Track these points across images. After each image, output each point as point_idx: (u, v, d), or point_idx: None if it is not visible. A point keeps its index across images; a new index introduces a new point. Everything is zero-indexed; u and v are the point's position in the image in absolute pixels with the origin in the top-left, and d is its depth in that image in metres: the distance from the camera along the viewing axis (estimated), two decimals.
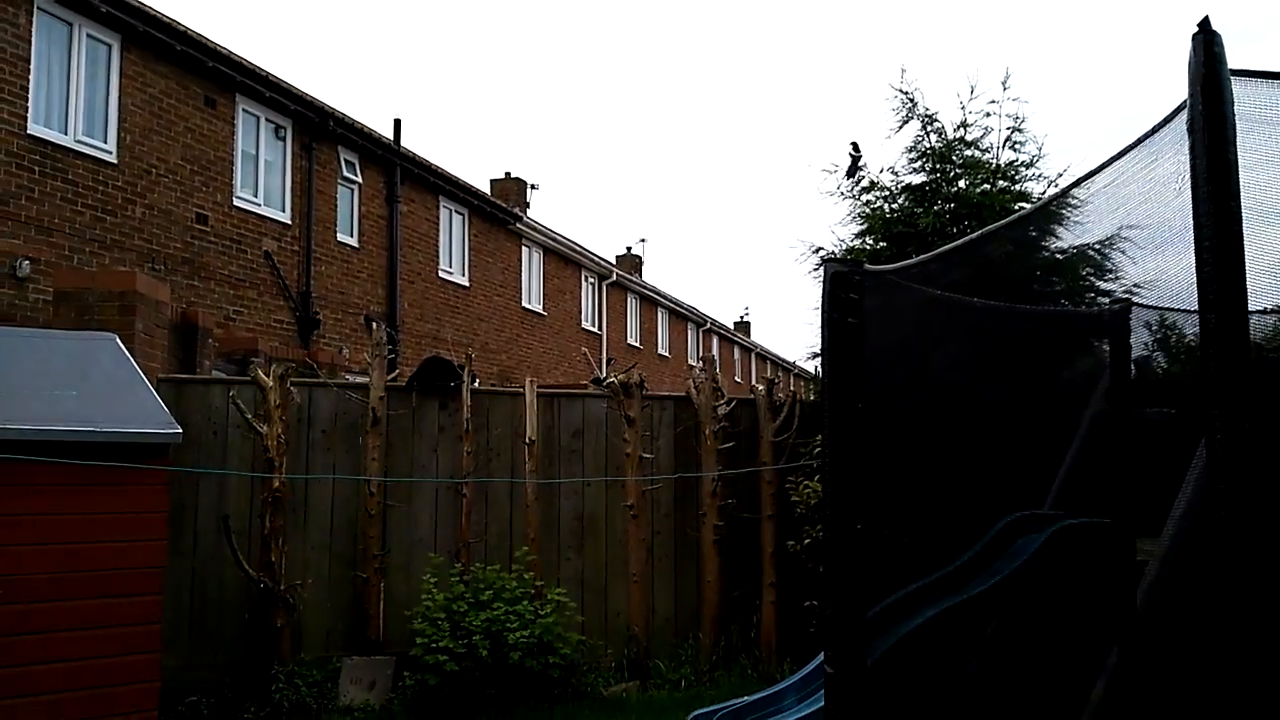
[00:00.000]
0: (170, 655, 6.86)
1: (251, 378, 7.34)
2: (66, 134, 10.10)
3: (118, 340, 5.51)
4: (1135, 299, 4.26)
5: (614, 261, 26.90)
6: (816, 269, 7.49)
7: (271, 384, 7.21)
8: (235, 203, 12.45)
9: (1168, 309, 3.82)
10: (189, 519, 7.30)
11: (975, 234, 3.30)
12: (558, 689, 7.26)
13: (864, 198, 7.60)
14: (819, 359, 8.07)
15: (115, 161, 10.64)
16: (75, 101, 10.25)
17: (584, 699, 7.28)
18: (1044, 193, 7.16)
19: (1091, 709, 3.86)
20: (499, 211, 19.52)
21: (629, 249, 32.29)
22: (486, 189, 20.69)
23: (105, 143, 10.57)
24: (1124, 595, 3.89)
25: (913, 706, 3.84)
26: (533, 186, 23.66)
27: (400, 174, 16.03)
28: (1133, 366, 4.20)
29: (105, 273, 8.09)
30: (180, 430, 4.83)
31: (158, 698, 4.69)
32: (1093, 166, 3.03)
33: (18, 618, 4.28)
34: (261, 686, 7.15)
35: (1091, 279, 5.91)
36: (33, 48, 9.68)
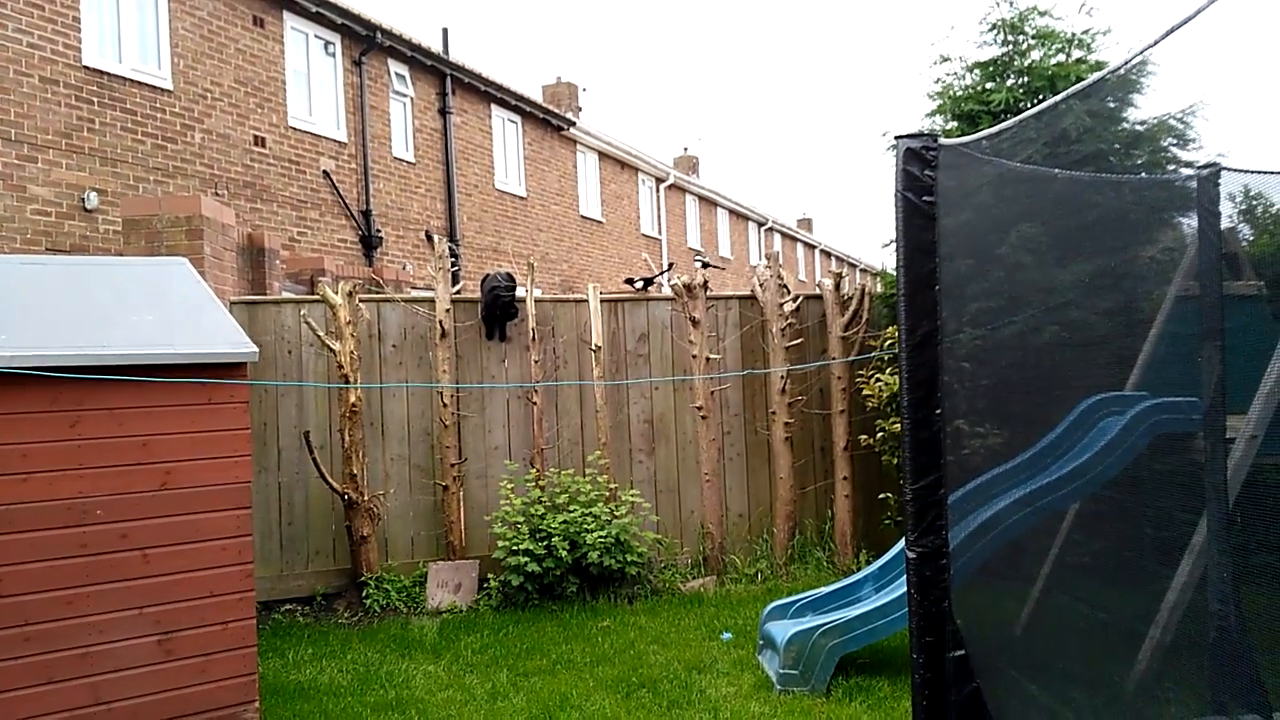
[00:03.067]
0: (263, 567, 7.16)
1: (320, 296, 7.44)
2: (121, 63, 10.15)
3: (188, 264, 5.58)
4: (1223, 165, 4.04)
5: (670, 163, 26.47)
6: (889, 149, 7.22)
7: (340, 301, 7.29)
8: (290, 123, 12.48)
9: (1263, 172, 3.60)
10: (272, 437, 7.52)
11: (1053, 99, 3.14)
12: (637, 586, 7.42)
13: (934, 73, 7.29)
14: (890, 246, 7.87)
15: (171, 88, 10.69)
16: (127, 29, 10.26)
17: (662, 594, 7.43)
18: (1122, 62, 6.78)
19: (1178, 587, 3.81)
20: (552, 118, 19.28)
21: (685, 149, 31.74)
22: (538, 95, 20.41)
23: (160, 69, 10.61)
24: (1213, 473, 3.79)
25: (994, 589, 3.82)
26: (582, 89, 23.29)
27: (451, 84, 15.87)
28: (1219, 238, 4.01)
29: (171, 199, 8.19)
30: (256, 349, 4.91)
31: (254, 607, 4.89)
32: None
33: (118, 536, 4.46)
34: (352, 593, 7.44)
35: (1173, 149, 5.62)
36: None
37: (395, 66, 14.67)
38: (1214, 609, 3.60)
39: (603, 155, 21.77)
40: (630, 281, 8.70)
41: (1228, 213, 4.23)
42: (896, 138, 2.95)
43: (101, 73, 9.86)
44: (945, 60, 7.30)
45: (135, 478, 4.52)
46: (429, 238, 8.12)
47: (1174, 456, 3.90)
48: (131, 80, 10.20)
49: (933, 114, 7.30)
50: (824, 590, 5.99)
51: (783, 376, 8.01)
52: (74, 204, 9.45)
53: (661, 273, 9.17)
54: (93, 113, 9.73)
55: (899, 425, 6.91)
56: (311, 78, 13.03)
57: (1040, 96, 6.59)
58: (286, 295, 9.50)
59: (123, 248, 7.22)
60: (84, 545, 4.38)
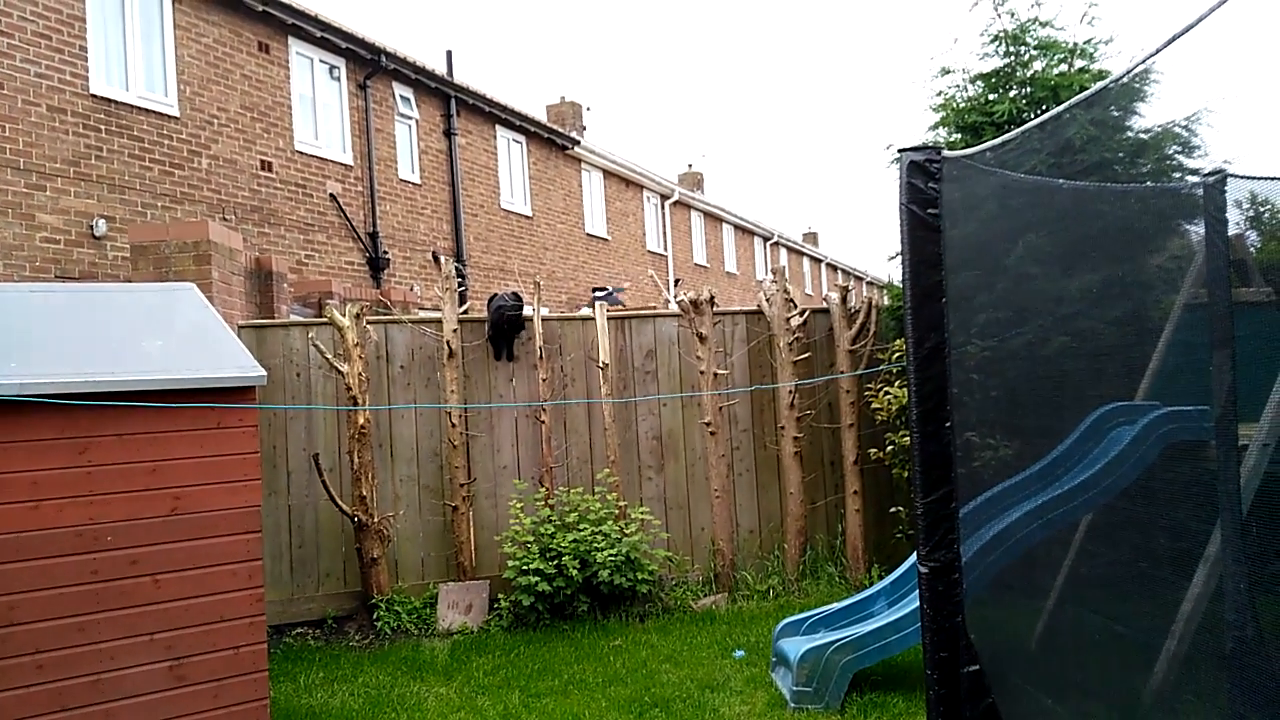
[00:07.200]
0: (273, 591, 7.15)
1: (328, 318, 7.45)
2: (128, 91, 10.22)
3: (196, 289, 5.60)
4: (1229, 172, 4.03)
5: (675, 180, 26.54)
6: (893, 163, 7.24)
7: (348, 323, 7.31)
8: (297, 147, 12.54)
9: (1270, 178, 3.59)
10: (281, 460, 7.52)
11: (1056, 109, 3.13)
12: (648, 604, 7.39)
13: (936, 85, 7.29)
14: (896, 259, 7.86)
15: (177, 114, 10.76)
16: (133, 57, 10.35)
17: (674, 612, 7.39)
18: (1126, 70, 6.78)
19: (1193, 597, 3.77)
20: (556, 137, 19.35)
21: (690, 165, 31.80)
22: (542, 115, 20.50)
23: (166, 96, 10.68)
24: (1225, 481, 3.76)
25: (1008, 602, 3.79)
26: (586, 108, 23.36)
27: (456, 106, 15.96)
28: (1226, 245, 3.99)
29: (178, 224, 8.24)
30: (264, 373, 4.92)
31: (265, 631, 4.87)
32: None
33: (129, 562, 4.46)
34: (363, 616, 7.42)
35: (1178, 157, 5.61)
36: (86, 6, 9.75)
37: (400, 89, 14.75)
38: (1230, 619, 3.56)
39: (607, 173, 21.84)
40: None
41: (1235, 219, 4.21)
42: (899, 151, 2.95)
43: (109, 101, 9.93)
44: (947, 72, 7.30)
45: (145, 503, 4.52)
46: (435, 258, 8.15)
47: (1186, 466, 3.86)
48: (138, 108, 10.27)
49: (936, 126, 7.30)
50: (836, 606, 5.95)
51: (791, 391, 7.99)
52: (82, 231, 9.50)
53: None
54: (100, 140, 9.80)
55: (908, 438, 6.89)
56: (317, 102, 13.11)
57: (1044, 106, 6.59)
58: (294, 318, 9.53)
59: (131, 274, 7.25)
60: (95, 572, 4.38)
